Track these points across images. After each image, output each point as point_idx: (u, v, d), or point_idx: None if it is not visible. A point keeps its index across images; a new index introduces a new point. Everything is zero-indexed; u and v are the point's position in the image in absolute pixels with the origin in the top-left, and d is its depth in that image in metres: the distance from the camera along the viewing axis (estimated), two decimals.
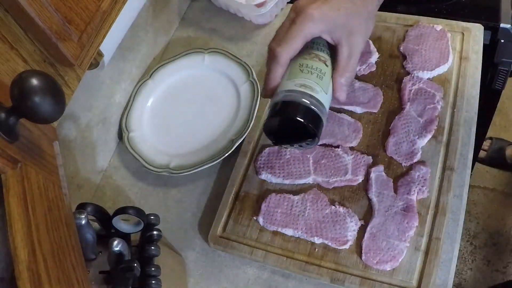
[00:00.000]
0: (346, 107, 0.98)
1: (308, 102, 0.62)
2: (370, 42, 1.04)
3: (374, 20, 0.68)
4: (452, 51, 1.00)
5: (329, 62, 0.67)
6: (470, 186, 1.87)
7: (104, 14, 0.65)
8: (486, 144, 1.98)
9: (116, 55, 0.98)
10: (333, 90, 0.67)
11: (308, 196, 0.88)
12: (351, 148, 0.93)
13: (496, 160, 1.95)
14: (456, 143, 0.89)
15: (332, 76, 0.67)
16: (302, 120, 0.62)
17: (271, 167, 0.93)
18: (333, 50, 0.68)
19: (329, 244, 0.83)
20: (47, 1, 0.53)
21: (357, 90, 0.98)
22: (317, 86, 0.64)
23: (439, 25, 1.02)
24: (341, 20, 0.63)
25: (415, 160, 0.88)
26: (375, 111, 0.96)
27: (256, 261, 0.87)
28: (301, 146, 0.70)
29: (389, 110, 0.96)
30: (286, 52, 0.64)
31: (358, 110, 0.97)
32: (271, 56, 0.66)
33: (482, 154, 1.96)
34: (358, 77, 1.01)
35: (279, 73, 0.65)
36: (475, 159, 1.57)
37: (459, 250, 0.82)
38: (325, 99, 0.65)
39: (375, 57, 1.02)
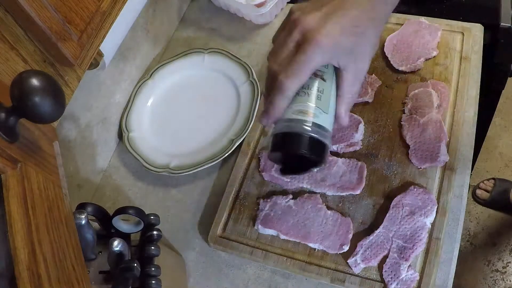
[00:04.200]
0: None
1: (309, 129, 0.58)
2: None
3: (378, 40, 0.61)
4: (452, 51, 1.00)
5: (327, 75, 0.61)
6: (470, 186, 1.87)
7: (104, 14, 0.65)
8: (489, 184, 1.88)
9: (116, 55, 0.98)
10: (336, 115, 0.62)
11: (305, 202, 0.88)
12: (352, 153, 0.93)
13: (499, 203, 1.85)
14: (456, 143, 0.89)
15: (336, 101, 0.62)
16: (305, 152, 0.58)
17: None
18: (335, 69, 0.62)
19: (326, 250, 0.83)
20: (47, 1, 0.53)
21: None
22: (317, 110, 0.59)
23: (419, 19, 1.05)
24: (350, 44, 0.57)
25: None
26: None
27: (256, 261, 0.87)
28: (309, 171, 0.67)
29: (389, 110, 0.96)
30: (295, 85, 0.58)
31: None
32: (278, 88, 0.58)
33: (485, 195, 1.87)
34: None
35: (284, 106, 0.59)
36: (475, 160, 1.56)
37: (459, 250, 0.82)
38: (326, 120, 0.60)
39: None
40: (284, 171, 0.68)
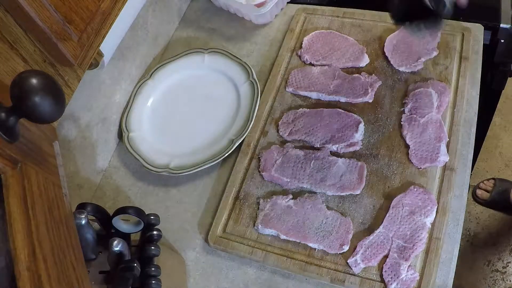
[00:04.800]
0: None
1: None
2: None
3: None
4: (452, 51, 1.00)
5: None
6: (470, 186, 1.86)
7: (104, 14, 0.65)
8: (489, 184, 1.87)
9: (116, 55, 0.98)
10: None
11: (306, 202, 0.88)
12: (352, 153, 0.93)
13: (499, 203, 1.83)
14: (456, 143, 0.89)
15: None
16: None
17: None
18: None
19: (326, 250, 0.83)
20: (47, 1, 0.53)
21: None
22: None
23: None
24: None
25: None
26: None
27: (256, 261, 0.87)
28: (423, 27, 0.75)
29: (389, 110, 0.96)
30: None
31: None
32: None
33: (485, 195, 1.85)
34: (360, 71, 1.01)
35: None
36: (475, 160, 1.56)
37: (459, 250, 0.82)
38: None
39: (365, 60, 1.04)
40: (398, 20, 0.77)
